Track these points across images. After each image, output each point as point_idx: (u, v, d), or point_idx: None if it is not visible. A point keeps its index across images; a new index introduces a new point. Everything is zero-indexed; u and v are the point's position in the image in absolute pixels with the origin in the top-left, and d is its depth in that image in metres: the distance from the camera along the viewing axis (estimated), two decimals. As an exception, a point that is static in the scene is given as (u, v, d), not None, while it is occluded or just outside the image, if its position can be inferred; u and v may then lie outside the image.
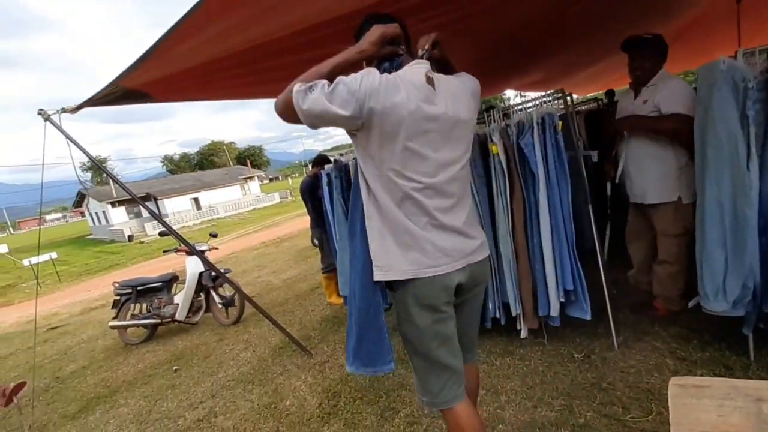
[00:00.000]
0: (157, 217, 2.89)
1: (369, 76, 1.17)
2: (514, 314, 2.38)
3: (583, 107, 4.32)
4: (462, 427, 1.31)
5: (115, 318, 4.74)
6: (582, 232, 2.35)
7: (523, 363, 2.41)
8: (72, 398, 3.41)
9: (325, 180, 2.92)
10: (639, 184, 2.29)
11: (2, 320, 9.82)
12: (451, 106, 1.25)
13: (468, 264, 1.30)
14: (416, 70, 1.25)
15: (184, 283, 4.72)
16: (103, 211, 28.61)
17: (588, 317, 2.25)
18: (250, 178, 35.17)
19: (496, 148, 2.12)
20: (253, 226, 20.02)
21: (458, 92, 1.30)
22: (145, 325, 4.66)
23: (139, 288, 4.82)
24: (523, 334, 2.47)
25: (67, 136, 2.52)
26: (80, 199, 32.71)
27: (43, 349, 5.48)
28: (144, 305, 4.84)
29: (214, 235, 5.57)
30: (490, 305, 2.42)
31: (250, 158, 48.41)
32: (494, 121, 2.33)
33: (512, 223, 2.24)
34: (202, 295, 4.74)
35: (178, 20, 1.64)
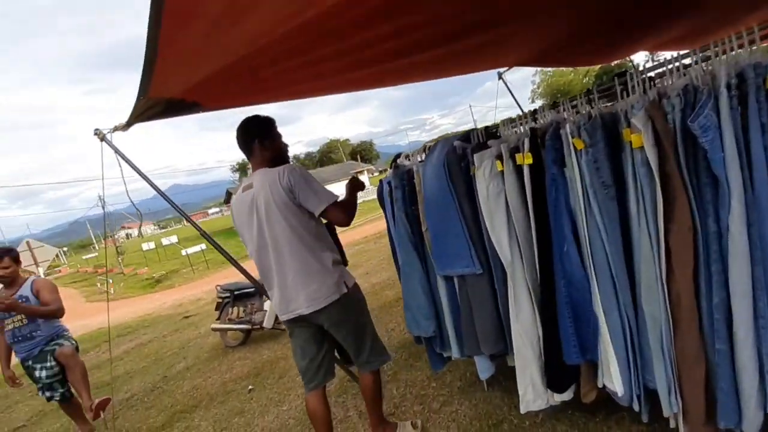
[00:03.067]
0: (206, 235, 2.68)
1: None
2: (666, 413, 1.43)
3: None
4: (308, 411, 2.00)
5: (217, 320, 4.98)
6: None
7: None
8: (165, 406, 3.54)
9: (385, 190, 2.30)
10: None
11: (164, 301, 11.81)
12: (263, 197, 1.79)
13: (297, 315, 1.85)
14: (245, 183, 1.93)
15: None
16: (244, 206, 33.11)
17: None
18: (360, 172, 36.99)
19: (639, 137, 1.21)
20: (359, 219, 20.62)
21: (270, 182, 1.80)
22: (240, 330, 4.77)
23: (236, 292, 4.97)
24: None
25: (119, 153, 2.43)
26: (228, 197, 38.44)
27: (171, 340, 6.16)
28: (241, 309, 4.98)
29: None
30: (620, 387, 1.51)
31: (361, 153, 50.68)
32: (632, 93, 1.39)
33: (667, 264, 1.30)
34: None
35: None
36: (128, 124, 2.39)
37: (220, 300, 5.04)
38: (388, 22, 1.84)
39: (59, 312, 3.06)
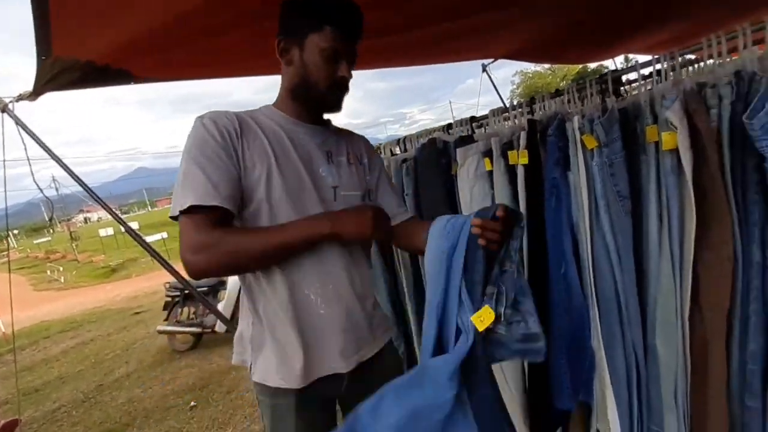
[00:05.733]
0: (130, 229, 2.25)
1: None
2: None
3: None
4: None
5: (165, 320, 4.51)
6: None
7: None
8: (93, 423, 3.10)
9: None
10: None
11: (118, 292, 11.04)
12: None
13: None
14: None
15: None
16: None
17: None
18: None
19: (672, 136, 0.94)
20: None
21: None
22: (189, 333, 4.34)
23: (186, 291, 4.51)
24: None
25: (22, 125, 1.98)
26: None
27: (116, 339, 5.62)
28: (191, 310, 4.54)
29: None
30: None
31: (339, 143, 50.15)
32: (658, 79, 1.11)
33: (693, 300, 1.04)
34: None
35: None
36: (36, 93, 1.93)
37: (169, 299, 4.57)
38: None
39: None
